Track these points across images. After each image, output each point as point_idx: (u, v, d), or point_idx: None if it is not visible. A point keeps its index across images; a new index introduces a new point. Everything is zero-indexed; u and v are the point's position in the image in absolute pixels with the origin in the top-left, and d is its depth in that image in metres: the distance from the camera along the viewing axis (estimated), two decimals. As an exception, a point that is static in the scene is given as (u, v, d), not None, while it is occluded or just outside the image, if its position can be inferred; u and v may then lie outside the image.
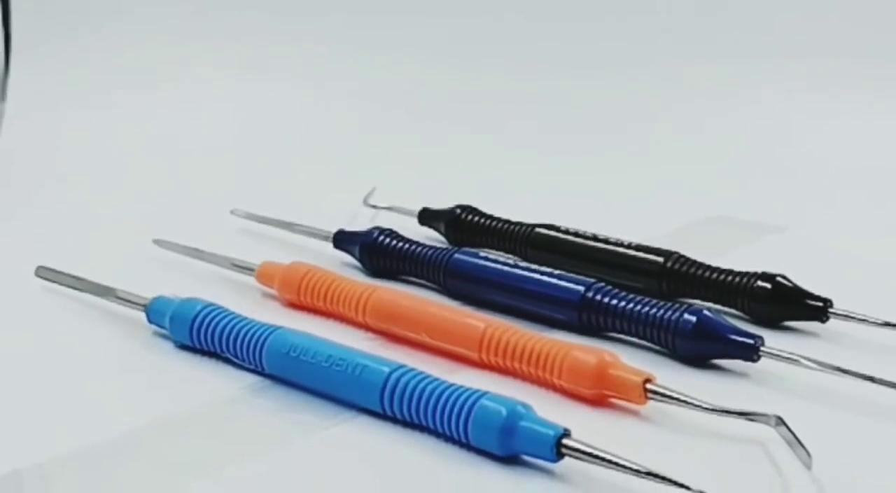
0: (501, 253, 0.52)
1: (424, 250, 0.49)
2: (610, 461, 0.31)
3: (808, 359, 0.38)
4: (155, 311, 0.42)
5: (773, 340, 0.40)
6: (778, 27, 0.79)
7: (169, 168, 0.71)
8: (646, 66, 0.80)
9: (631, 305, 0.42)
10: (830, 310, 0.43)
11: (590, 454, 0.31)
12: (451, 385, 0.35)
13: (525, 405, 0.33)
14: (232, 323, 0.40)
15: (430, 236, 0.56)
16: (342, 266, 0.52)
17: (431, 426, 0.35)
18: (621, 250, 0.48)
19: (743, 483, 0.32)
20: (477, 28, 0.84)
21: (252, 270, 0.48)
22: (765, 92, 0.78)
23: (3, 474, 0.32)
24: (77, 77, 0.81)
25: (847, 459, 0.33)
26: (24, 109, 0.67)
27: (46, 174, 0.68)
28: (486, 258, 0.47)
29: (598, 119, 0.77)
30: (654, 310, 0.41)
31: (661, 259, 0.47)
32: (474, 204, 0.55)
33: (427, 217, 0.57)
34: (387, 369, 0.36)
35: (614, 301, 0.43)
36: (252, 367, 0.40)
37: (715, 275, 0.46)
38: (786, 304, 0.44)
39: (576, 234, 0.50)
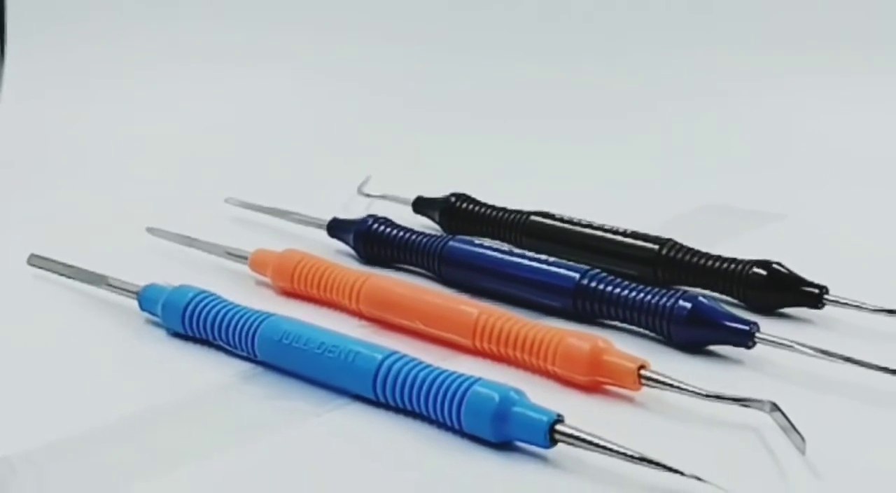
0: (496, 241, 0.52)
1: (419, 238, 0.49)
2: (603, 447, 0.31)
3: (803, 345, 0.38)
4: (147, 298, 0.42)
5: (768, 326, 0.40)
6: (776, 16, 0.79)
7: (163, 156, 0.71)
8: (643, 54, 0.80)
9: (626, 292, 0.42)
10: (825, 297, 0.43)
11: (583, 440, 0.31)
12: (444, 372, 0.35)
13: (518, 391, 0.33)
14: (224, 310, 0.40)
15: (424, 225, 0.55)
16: (336, 254, 0.52)
17: (424, 412, 0.34)
18: (616, 237, 0.48)
19: (737, 469, 0.32)
20: (471, 16, 0.84)
21: (246, 258, 0.48)
22: (763, 80, 0.78)
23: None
24: (70, 65, 0.81)
25: (841, 445, 0.33)
26: (18, 96, 0.67)
27: (40, 163, 0.68)
28: (480, 246, 0.47)
29: (594, 107, 0.77)
30: (650, 297, 0.41)
31: (656, 247, 0.47)
32: (469, 192, 0.55)
33: (421, 205, 0.56)
34: (379, 356, 0.36)
35: (609, 288, 0.42)
36: (244, 354, 0.39)
37: (710, 262, 0.45)
38: (781, 291, 0.44)
39: (571, 221, 0.50)
